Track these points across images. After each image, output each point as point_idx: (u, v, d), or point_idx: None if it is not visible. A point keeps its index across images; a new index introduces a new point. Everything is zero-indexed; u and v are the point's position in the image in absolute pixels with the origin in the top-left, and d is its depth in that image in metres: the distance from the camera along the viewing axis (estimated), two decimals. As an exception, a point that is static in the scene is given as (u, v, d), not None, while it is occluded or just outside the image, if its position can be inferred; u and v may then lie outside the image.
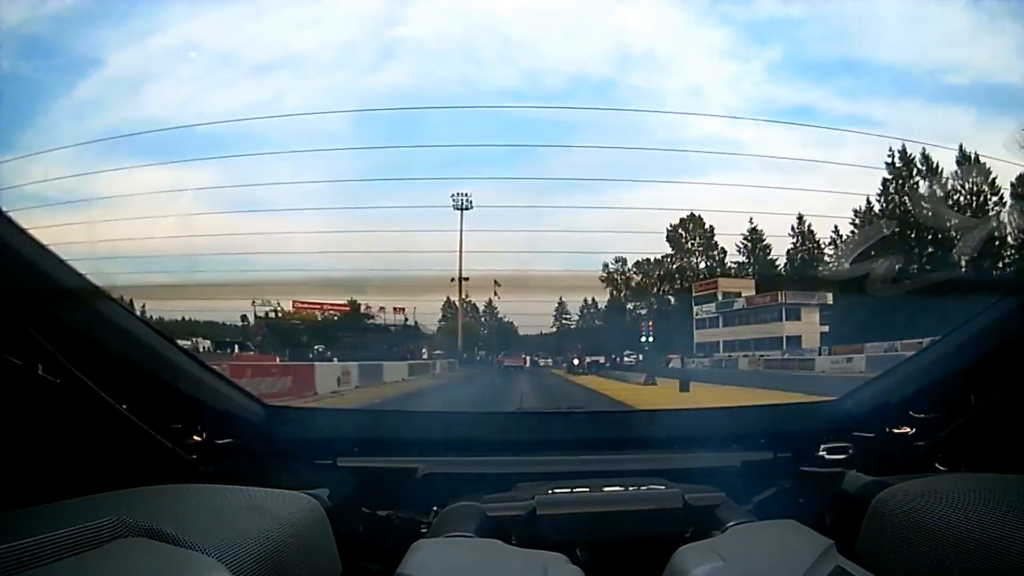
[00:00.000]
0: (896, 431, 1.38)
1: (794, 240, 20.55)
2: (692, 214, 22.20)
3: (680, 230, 22.43)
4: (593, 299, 25.20)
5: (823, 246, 20.43)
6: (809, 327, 17.27)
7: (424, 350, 21.71)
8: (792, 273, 19.57)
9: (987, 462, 1.16)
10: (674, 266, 22.60)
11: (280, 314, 21.66)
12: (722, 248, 22.23)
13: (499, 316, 25.24)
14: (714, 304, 19.76)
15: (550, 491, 1.21)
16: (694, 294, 20.58)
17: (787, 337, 17.71)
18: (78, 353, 0.96)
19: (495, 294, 23.84)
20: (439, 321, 25.51)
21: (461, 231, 21.92)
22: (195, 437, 1.27)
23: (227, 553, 0.78)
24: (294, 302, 21.53)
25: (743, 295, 19.24)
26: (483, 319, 25.93)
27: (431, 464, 1.39)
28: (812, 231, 20.73)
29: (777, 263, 21.29)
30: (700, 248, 22.59)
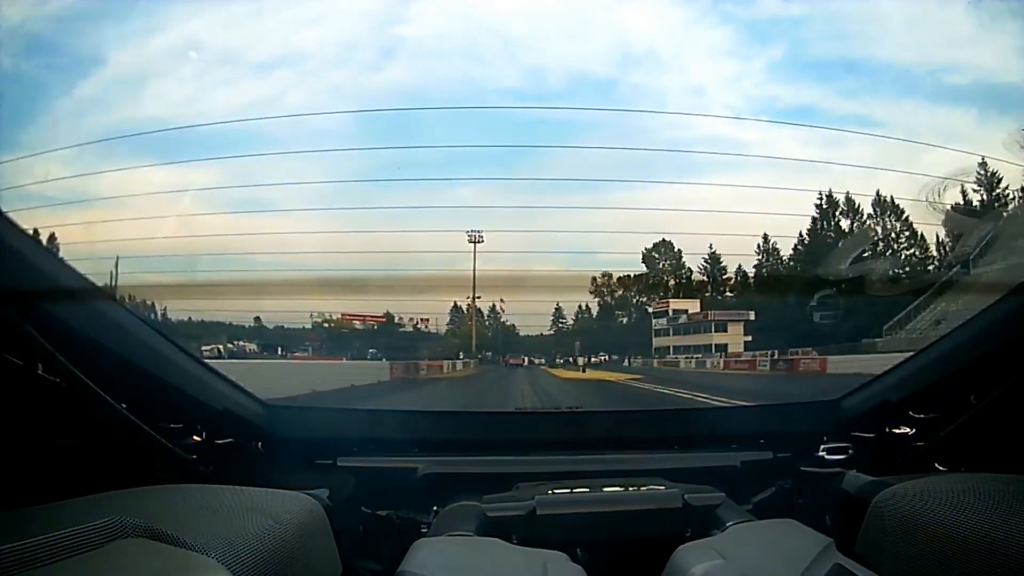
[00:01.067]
0: (896, 431, 1.38)
1: (759, 257, 25.96)
2: (664, 239, 27.59)
3: (654, 253, 28.03)
4: (587, 305, 30.55)
5: (784, 261, 25.99)
6: (734, 338, 23.37)
7: (460, 353, 27.02)
8: (745, 289, 25.70)
9: (987, 462, 1.16)
10: (650, 282, 28.42)
11: (331, 323, 26.81)
12: (688, 268, 28.06)
13: (502, 321, 30.22)
14: (666, 318, 26.04)
15: (550, 491, 1.21)
16: (652, 309, 26.93)
17: (714, 344, 23.63)
18: (78, 353, 0.96)
19: (501, 309, 29.35)
20: (447, 325, 30.38)
21: (475, 265, 26.32)
22: (195, 437, 1.27)
23: (227, 553, 0.78)
24: (343, 314, 26.90)
25: (689, 311, 25.36)
26: (487, 323, 30.48)
27: (431, 464, 1.39)
28: (777, 249, 25.88)
29: (749, 275, 26.50)
30: (670, 268, 28.39)
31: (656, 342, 25.84)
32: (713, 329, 23.76)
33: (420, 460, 1.41)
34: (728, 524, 1.10)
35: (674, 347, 25.06)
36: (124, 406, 1.06)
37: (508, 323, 29.94)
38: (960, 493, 0.93)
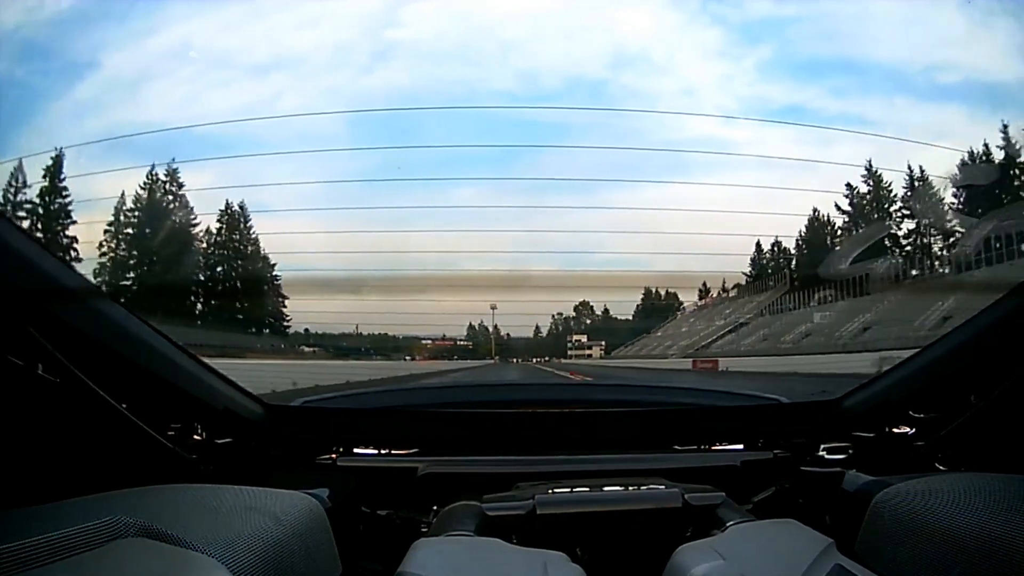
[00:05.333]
0: (896, 431, 1.38)
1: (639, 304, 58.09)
2: (584, 301, 59.42)
3: (579, 307, 60.10)
4: (558, 326, 62.59)
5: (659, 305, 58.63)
6: (597, 351, 57.97)
7: (493, 355, 54.93)
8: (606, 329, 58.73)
9: (987, 462, 1.16)
10: (574, 323, 60.91)
11: (432, 342, 53.98)
12: (597, 315, 59.40)
13: (503, 334, 57.93)
14: (571, 344, 59.02)
15: (550, 491, 1.21)
16: (567, 339, 60.22)
17: (587, 354, 56.42)
18: (78, 353, 0.96)
19: (506, 334, 53.52)
20: (465, 337, 59.33)
21: (494, 324, 53.90)
22: (195, 437, 1.27)
23: (227, 553, 0.78)
24: (434, 340, 55.45)
25: (582, 340, 59.62)
26: (493, 335, 59.06)
27: (431, 464, 1.39)
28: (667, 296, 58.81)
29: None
30: (586, 313, 59.85)
31: (568, 353, 58.45)
32: (586, 348, 57.59)
33: (420, 460, 1.41)
34: (728, 524, 1.09)
35: (575, 355, 56.35)
36: (124, 406, 1.06)
37: (506, 334, 58.14)
38: (960, 493, 0.94)
